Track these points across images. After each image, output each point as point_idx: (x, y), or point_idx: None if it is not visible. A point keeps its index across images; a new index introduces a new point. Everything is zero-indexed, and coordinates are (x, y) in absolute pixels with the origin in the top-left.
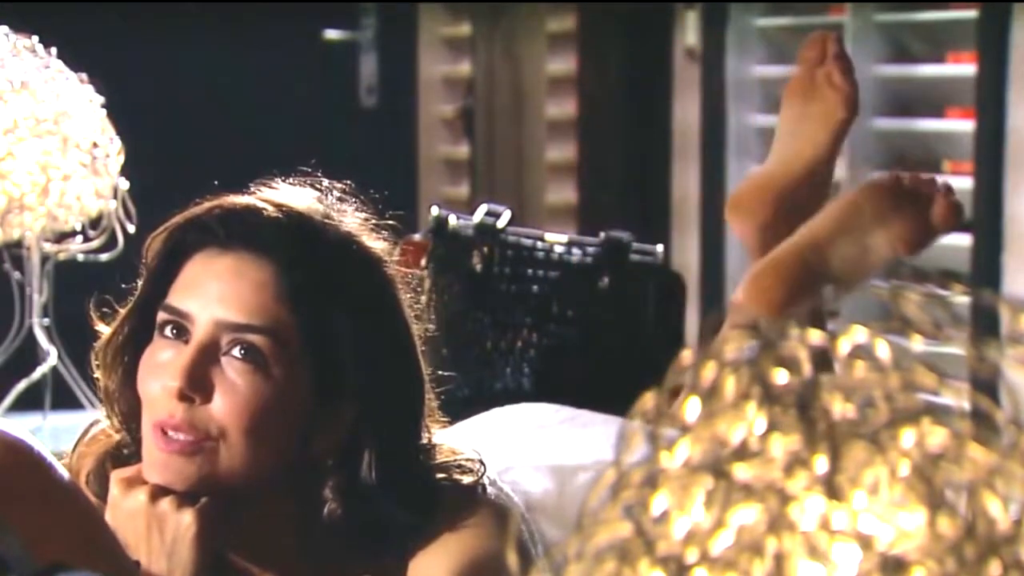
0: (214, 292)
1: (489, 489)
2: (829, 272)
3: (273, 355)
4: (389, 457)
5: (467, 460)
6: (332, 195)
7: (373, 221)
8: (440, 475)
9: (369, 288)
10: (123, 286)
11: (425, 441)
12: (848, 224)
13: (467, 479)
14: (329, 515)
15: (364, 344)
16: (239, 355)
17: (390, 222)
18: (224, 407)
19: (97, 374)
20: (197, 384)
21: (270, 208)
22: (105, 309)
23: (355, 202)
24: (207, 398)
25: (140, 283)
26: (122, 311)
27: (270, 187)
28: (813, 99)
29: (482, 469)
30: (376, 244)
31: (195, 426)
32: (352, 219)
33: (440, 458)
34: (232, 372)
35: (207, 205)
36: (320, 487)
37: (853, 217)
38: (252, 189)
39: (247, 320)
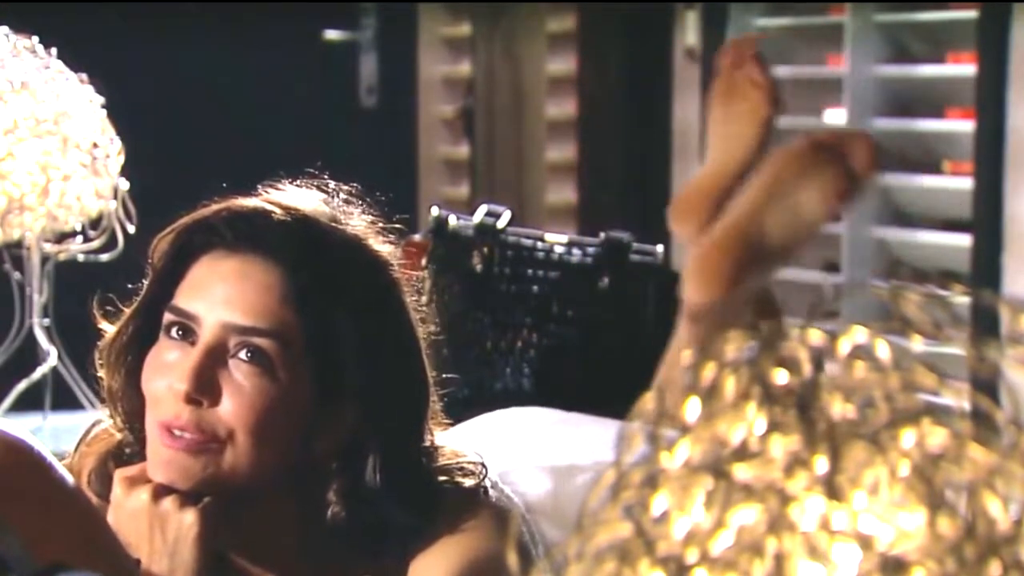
0: (220, 294)
1: (491, 492)
2: (770, 241)
3: (279, 358)
4: (392, 459)
5: (469, 463)
6: (339, 198)
7: (380, 224)
8: (442, 477)
9: (375, 291)
10: (124, 286)
11: (428, 443)
12: (775, 191)
13: (469, 482)
14: (332, 517)
15: (368, 346)
16: (246, 358)
17: (396, 225)
18: (232, 410)
19: (100, 373)
20: (205, 387)
21: (277, 211)
22: (108, 308)
23: (362, 205)
24: (215, 401)
25: (146, 283)
26: (127, 311)
27: (277, 189)
28: (736, 99)
29: (484, 472)
30: (382, 247)
31: (202, 428)
32: (359, 222)
33: (442, 460)
34: (239, 375)
35: (214, 207)
36: (322, 488)
37: (778, 183)
38: (259, 191)
39: (253, 323)
